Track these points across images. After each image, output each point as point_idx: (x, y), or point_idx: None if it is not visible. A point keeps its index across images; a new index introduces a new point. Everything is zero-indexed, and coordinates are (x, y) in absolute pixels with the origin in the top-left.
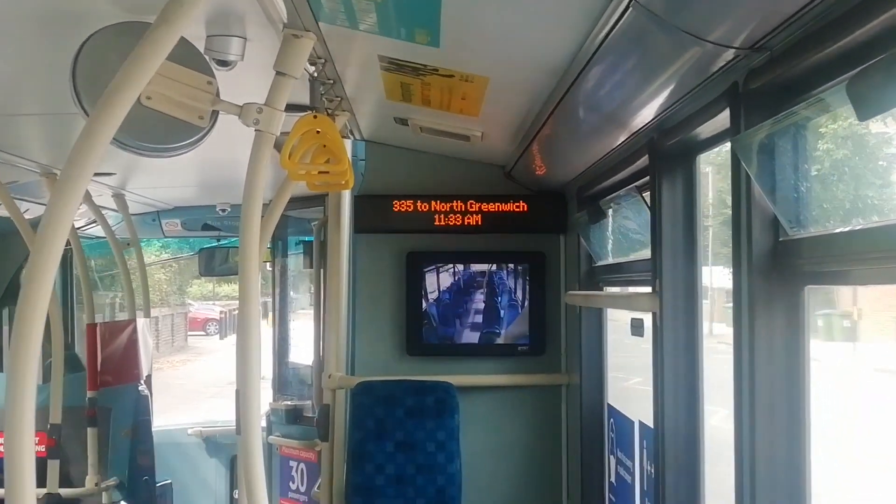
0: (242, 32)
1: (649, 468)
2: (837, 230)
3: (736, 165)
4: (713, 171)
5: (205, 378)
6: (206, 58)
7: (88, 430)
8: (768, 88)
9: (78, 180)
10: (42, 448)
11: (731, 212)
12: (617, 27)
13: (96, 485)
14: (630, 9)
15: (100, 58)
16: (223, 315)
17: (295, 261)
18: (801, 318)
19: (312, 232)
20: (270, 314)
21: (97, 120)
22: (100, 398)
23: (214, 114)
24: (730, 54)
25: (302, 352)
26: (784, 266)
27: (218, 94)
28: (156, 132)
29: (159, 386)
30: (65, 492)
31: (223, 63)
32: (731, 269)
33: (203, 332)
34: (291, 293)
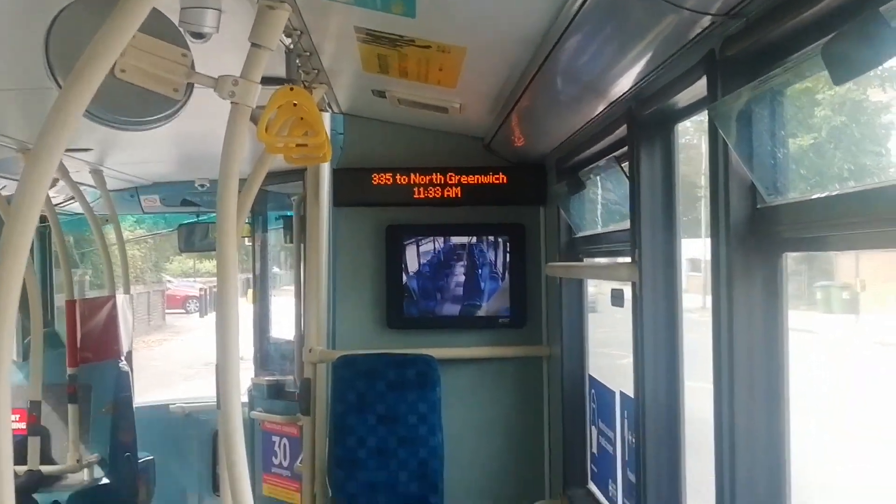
0: (217, 4)
1: (630, 438)
2: (814, 196)
3: (713, 133)
4: (707, 139)
5: (182, 358)
6: (181, 30)
7: (69, 406)
8: (745, 55)
9: (50, 153)
10: (23, 425)
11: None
12: None
13: (77, 461)
14: None
15: (73, 30)
16: (203, 292)
17: (276, 236)
18: (780, 285)
19: (292, 207)
20: (250, 290)
21: (69, 92)
22: (80, 375)
23: (189, 86)
24: (706, 21)
25: (284, 327)
26: (762, 233)
27: (193, 67)
28: (130, 105)
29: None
30: (46, 468)
31: (198, 35)
32: (710, 237)
33: (183, 310)
34: (276, 269)
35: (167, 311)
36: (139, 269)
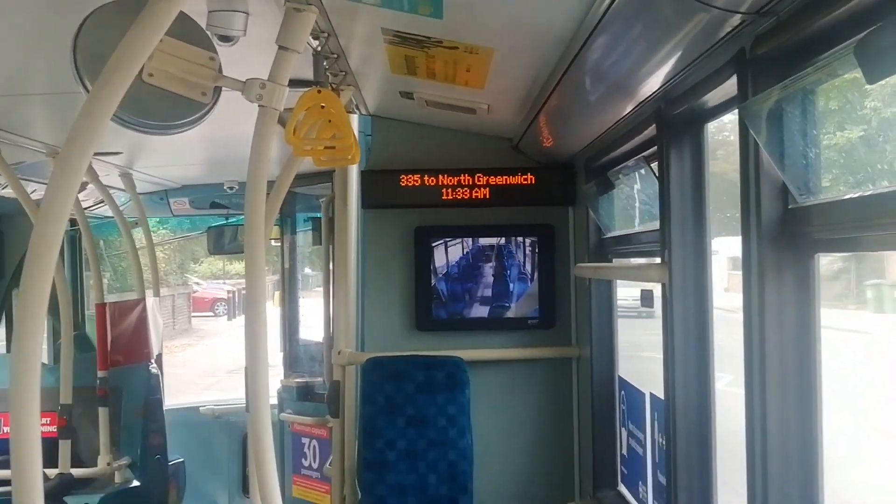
0: (244, 7)
1: (661, 440)
2: (846, 196)
3: (744, 133)
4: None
5: (205, 365)
6: (208, 33)
7: (100, 409)
8: (775, 54)
9: (79, 158)
10: (53, 428)
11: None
12: None
13: (108, 464)
14: None
15: (101, 34)
16: (231, 294)
17: (304, 237)
18: (812, 286)
19: (320, 208)
20: (277, 293)
21: (97, 96)
22: (111, 378)
23: (217, 90)
24: (736, 19)
25: (313, 329)
26: (793, 234)
27: (220, 70)
28: (159, 109)
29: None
30: (77, 472)
31: (225, 38)
32: (741, 238)
33: (211, 313)
34: (308, 269)
35: (193, 314)
36: (163, 272)
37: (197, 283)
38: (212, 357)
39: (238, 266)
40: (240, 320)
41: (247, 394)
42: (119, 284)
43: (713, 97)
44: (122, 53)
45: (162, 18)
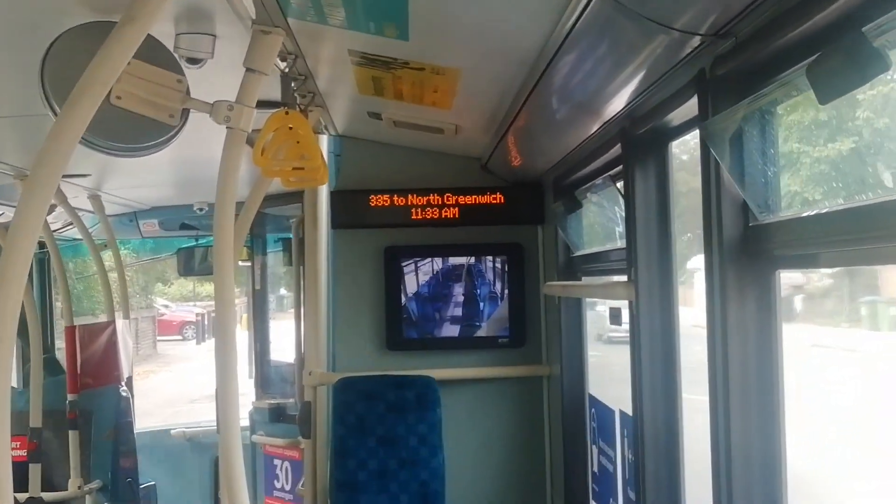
0: (212, 30)
1: (630, 456)
2: (805, 214)
3: (705, 152)
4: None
5: (167, 394)
6: (176, 56)
7: (70, 433)
8: (734, 74)
9: (47, 180)
10: (23, 452)
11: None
12: (584, 16)
13: (79, 488)
14: None
15: (68, 58)
16: (199, 317)
17: (275, 258)
18: (773, 302)
19: (291, 229)
20: (244, 315)
21: (65, 119)
22: (80, 401)
23: (185, 112)
24: (696, 41)
25: (286, 350)
26: (755, 251)
27: (188, 92)
28: (127, 132)
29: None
30: (47, 496)
31: (193, 61)
32: (703, 255)
33: (179, 337)
34: (283, 290)
35: (161, 338)
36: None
37: (165, 306)
38: (177, 384)
39: (209, 287)
40: (209, 344)
41: (217, 416)
42: (77, 308)
43: (676, 116)
44: (90, 76)
45: (130, 42)
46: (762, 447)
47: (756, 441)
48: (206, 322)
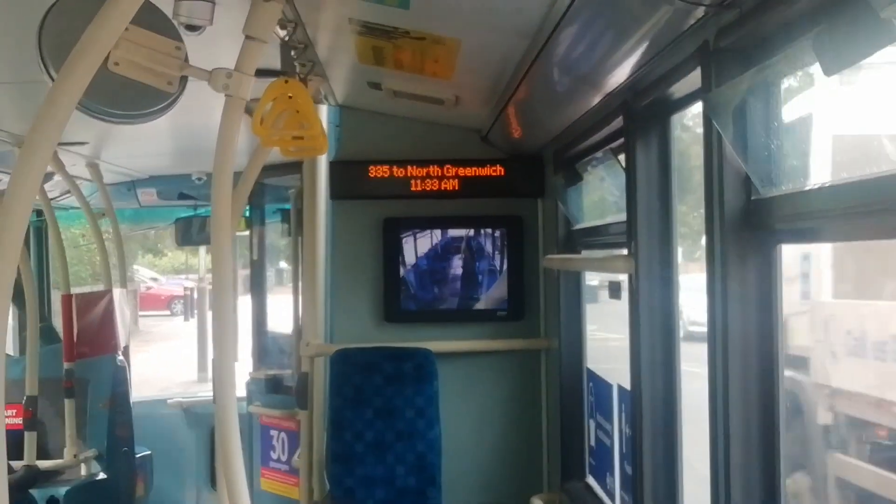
0: None
1: (627, 431)
2: (808, 188)
3: (707, 124)
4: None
5: (144, 377)
6: (175, 23)
7: (66, 401)
8: (738, 46)
9: (43, 147)
10: (19, 420)
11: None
12: None
13: (75, 456)
14: None
15: (66, 23)
16: (189, 291)
17: (274, 229)
18: (774, 277)
19: (290, 200)
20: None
21: (62, 85)
22: (77, 370)
23: (183, 79)
24: (700, 12)
25: (283, 322)
26: (756, 225)
27: (187, 60)
28: (124, 98)
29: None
30: (43, 464)
31: (192, 28)
32: (705, 228)
33: (168, 312)
34: (283, 263)
35: (147, 313)
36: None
37: (154, 279)
38: (155, 366)
39: (206, 259)
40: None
41: (214, 385)
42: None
43: (679, 89)
44: (87, 41)
45: (127, 6)
46: (761, 421)
47: (755, 414)
48: (195, 296)
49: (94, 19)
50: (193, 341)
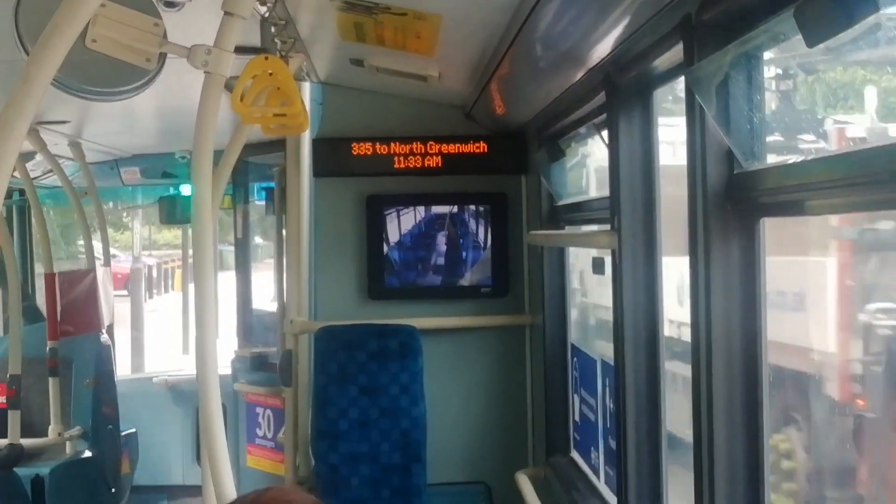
0: None
1: (612, 406)
2: (790, 161)
3: (690, 99)
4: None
5: None
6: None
7: (50, 380)
8: (720, 20)
9: (17, 123)
10: (2, 399)
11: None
12: None
13: (59, 434)
14: None
15: (41, 2)
16: (148, 268)
17: (256, 208)
18: (757, 250)
19: (274, 178)
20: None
21: (35, 60)
22: (61, 348)
23: (162, 56)
24: None
25: (267, 299)
26: (739, 199)
27: (165, 36)
28: (103, 75)
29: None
30: (27, 442)
31: (171, 4)
32: (687, 202)
33: (125, 292)
34: (258, 239)
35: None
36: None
37: (112, 256)
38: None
39: (167, 235)
40: (158, 301)
41: (196, 364)
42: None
43: (661, 63)
44: (61, 17)
45: None
46: (744, 398)
47: (738, 392)
48: (155, 274)
49: None
50: (152, 324)
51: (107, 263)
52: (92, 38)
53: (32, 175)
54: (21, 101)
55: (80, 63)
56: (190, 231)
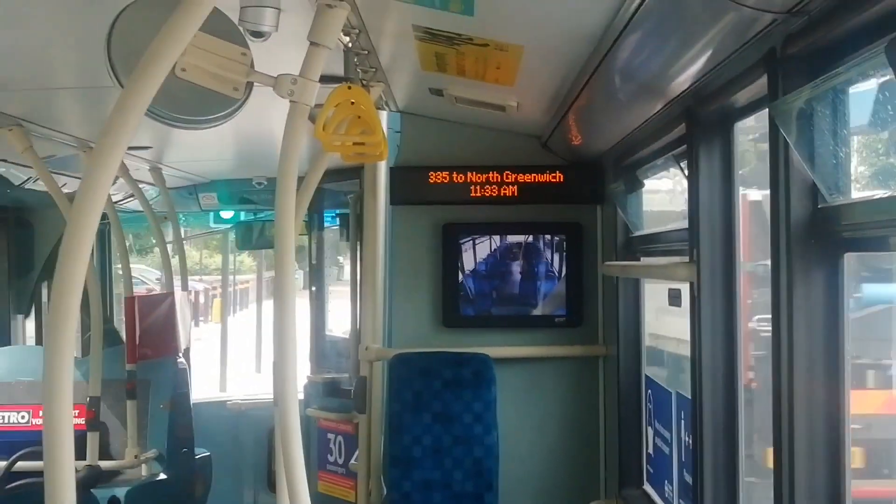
0: (276, 3)
1: (687, 439)
2: (876, 196)
3: (774, 132)
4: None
5: None
6: (241, 29)
7: (128, 402)
8: (806, 53)
9: (112, 152)
10: (82, 421)
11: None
12: None
13: (136, 457)
14: None
15: (134, 29)
16: (194, 295)
17: (328, 234)
18: (840, 285)
19: (348, 204)
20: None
21: (131, 91)
22: (139, 371)
23: (249, 85)
24: (767, 18)
25: (340, 325)
26: (823, 233)
27: (252, 66)
28: (191, 104)
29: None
30: (105, 464)
31: (257, 34)
32: (770, 236)
33: None
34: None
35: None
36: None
37: (158, 280)
38: None
39: (216, 260)
40: (203, 329)
41: (275, 388)
42: None
43: (743, 96)
44: (157, 48)
45: (197, 14)
46: (826, 433)
47: (820, 426)
48: (203, 300)
49: (164, 26)
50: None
51: (184, 287)
52: (182, 68)
53: (114, 199)
54: (117, 129)
55: (170, 92)
56: (263, 255)
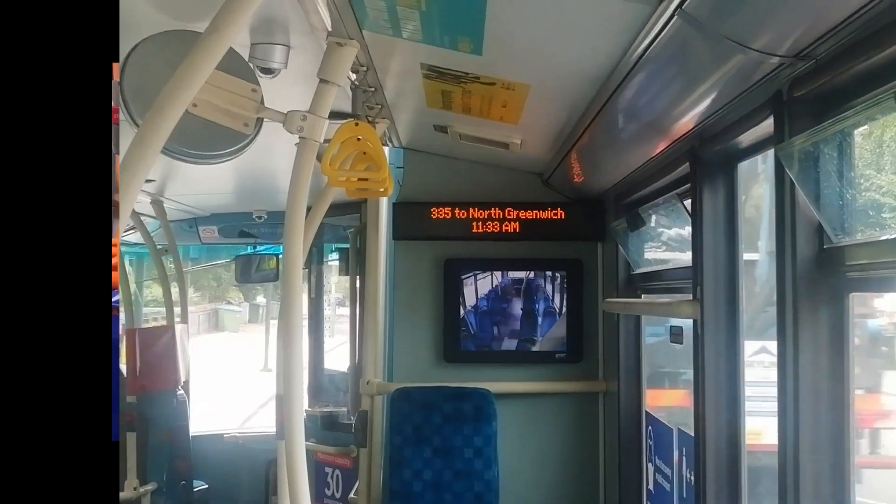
0: (286, 41)
1: (688, 476)
2: (882, 238)
3: (780, 173)
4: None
5: None
6: (251, 65)
7: (127, 434)
8: (813, 96)
9: (129, 189)
10: None
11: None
12: (661, 36)
13: (135, 489)
14: (675, 17)
15: (147, 67)
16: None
17: (327, 268)
18: (845, 325)
19: (348, 239)
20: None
21: (148, 129)
22: (139, 403)
23: (259, 121)
24: (773, 62)
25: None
26: (828, 273)
27: (262, 102)
28: (201, 139)
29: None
30: None
31: (267, 71)
32: (776, 276)
33: None
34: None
35: None
36: None
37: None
38: None
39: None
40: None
41: (278, 421)
42: None
43: (747, 137)
44: (174, 86)
45: (213, 52)
46: (831, 472)
47: (826, 465)
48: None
49: (181, 65)
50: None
51: (184, 320)
52: (193, 103)
53: None
54: (135, 164)
55: (181, 127)
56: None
